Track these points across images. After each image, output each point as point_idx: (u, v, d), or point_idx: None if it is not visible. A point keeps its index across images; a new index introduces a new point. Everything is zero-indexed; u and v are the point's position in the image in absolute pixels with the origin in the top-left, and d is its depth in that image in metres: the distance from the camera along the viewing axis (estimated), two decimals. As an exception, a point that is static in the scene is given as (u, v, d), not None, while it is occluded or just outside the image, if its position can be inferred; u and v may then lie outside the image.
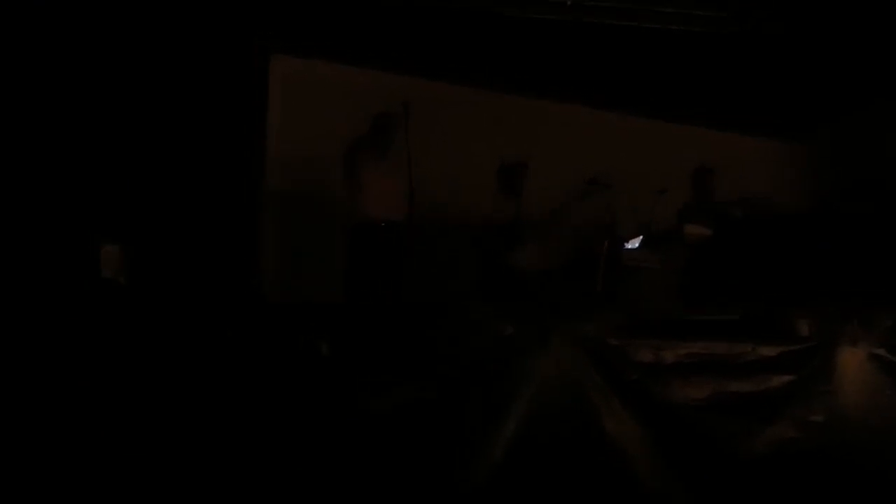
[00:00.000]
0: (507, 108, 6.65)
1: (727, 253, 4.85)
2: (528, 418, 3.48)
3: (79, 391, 3.33)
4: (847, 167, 6.50)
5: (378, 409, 3.45)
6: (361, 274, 5.38)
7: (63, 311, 3.57)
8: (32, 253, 4.64)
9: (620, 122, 6.97)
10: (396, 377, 3.55)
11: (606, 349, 3.68)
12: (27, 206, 5.02)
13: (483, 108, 6.56)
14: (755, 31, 6.16)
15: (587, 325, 3.75)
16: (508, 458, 3.43)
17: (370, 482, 3.35)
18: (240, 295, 5.49)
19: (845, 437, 3.59)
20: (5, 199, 4.97)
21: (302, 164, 6.13)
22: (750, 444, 3.60)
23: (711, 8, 6.17)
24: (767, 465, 3.57)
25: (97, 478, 3.23)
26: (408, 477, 3.37)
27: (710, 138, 7.08)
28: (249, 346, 3.54)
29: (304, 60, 6.30)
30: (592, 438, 3.51)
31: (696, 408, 3.65)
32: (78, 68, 5.40)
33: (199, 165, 5.72)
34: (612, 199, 5.82)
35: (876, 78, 6.41)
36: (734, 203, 5.72)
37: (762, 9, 6.13)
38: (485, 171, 5.98)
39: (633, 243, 5.68)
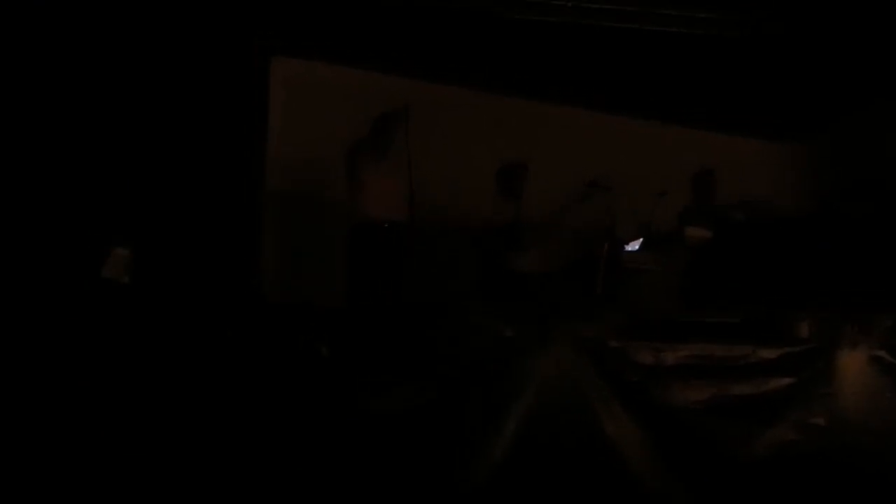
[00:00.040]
0: (508, 110, 6.65)
1: (728, 255, 4.85)
2: (528, 420, 3.48)
3: (79, 391, 3.32)
4: (847, 168, 6.50)
5: (378, 409, 3.45)
6: (362, 274, 5.37)
7: (63, 311, 3.57)
8: (33, 253, 4.64)
9: (621, 125, 6.97)
10: (396, 378, 3.54)
11: (607, 351, 3.68)
12: (28, 207, 5.02)
13: (483, 110, 6.56)
14: (755, 33, 6.16)
15: (587, 326, 3.75)
16: (508, 460, 3.42)
17: (370, 482, 3.35)
18: (240, 295, 5.49)
19: (846, 440, 3.59)
20: (6, 201, 4.97)
21: (302, 166, 6.14)
22: (750, 447, 3.60)
23: (711, 10, 6.18)
24: (768, 468, 3.56)
25: (97, 478, 3.23)
26: (408, 477, 3.37)
27: (710, 140, 7.08)
28: (249, 346, 3.54)
29: (305, 62, 6.31)
30: (592, 440, 3.51)
31: (696, 410, 3.65)
32: (79, 70, 5.40)
33: (199, 166, 5.72)
34: (612, 202, 5.82)
35: (876, 79, 6.41)
36: (734, 205, 5.71)
37: (762, 11, 6.13)
38: (485, 173, 5.97)
39: (634, 245, 5.67)
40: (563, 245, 5.83)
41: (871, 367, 3.68)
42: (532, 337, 3.65)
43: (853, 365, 3.69)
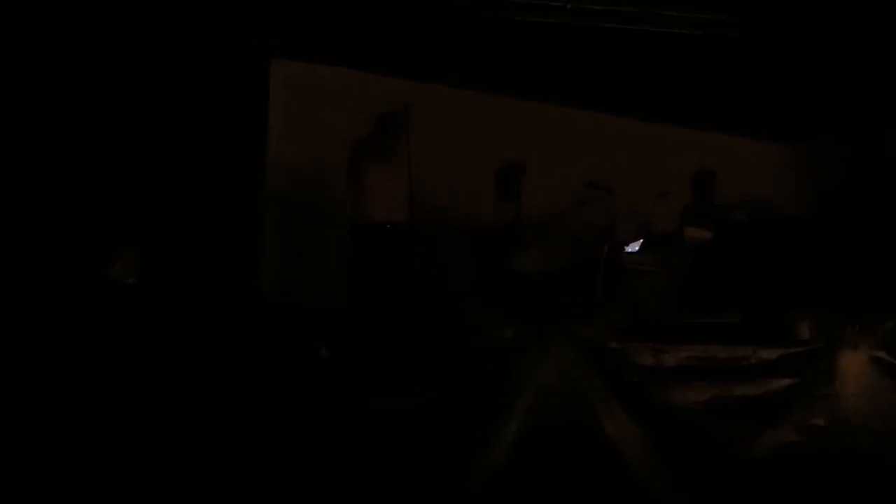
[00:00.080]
0: (508, 111, 6.66)
1: (728, 256, 4.84)
2: (528, 421, 3.48)
3: (79, 391, 3.32)
4: (847, 169, 6.50)
5: (378, 409, 3.44)
6: (364, 275, 5.36)
7: (63, 311, 3.56)
8: (33, 253, 4.64)
9: (621, 126, 6.97)
10: (396, 378, 3.54)
11: (607, 352, 3.67)
12: (28, 207, 5.02)
13: (483, 111, 6.56)
14: (755, 34, 6.16)
15: (588, 327, 3.75)
16: (508, 461, 3.42)
17: (370, 483, 3.34)
18: (240, 295, 5.49)
19: (847, 441, 3.58)
20: (7, 202, 4.98)
21: (302, 166, 6.14)
22: (751, 448, 3.59)
23: (711, 11, 6.18)
24: (769, 469, 3.56)
25: (97, 478, 3.22)
26: (408, 478, 3.36)
27: (711, 141, 7.08)
28: (249, 346, 3.53)
29: (305, 64, 6.31)
30: (593, 441, 3.50)
31: (696, 411, 3.64)
32: (79, 71, 5.40)
33: (200, 167, 5.73)
34: (612, 203, 5.81)
35: (875, 79, 6.41)
36: (735, 206, 5.71)
37: (762, 11, 6.14)
38: (484, 173, 5.97)
39: (634, 246, 5.67)
40: (564, 246, 5.83)
41: (872, 367, 3.68)
42: (532, 338, 3.64)
43: (854, 366, 3.68)
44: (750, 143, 7.29)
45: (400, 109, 5.36)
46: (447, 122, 6.28)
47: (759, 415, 3.64)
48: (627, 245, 5.67)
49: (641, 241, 5.66)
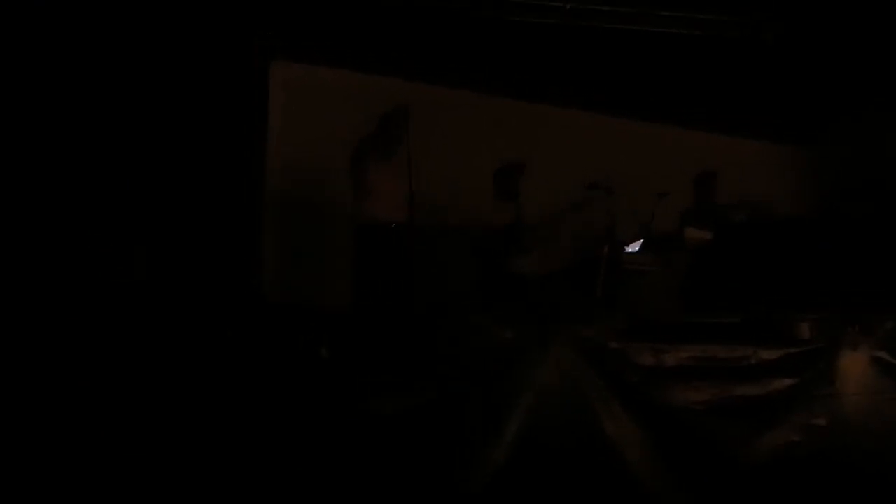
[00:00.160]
0: (508, 111, 6.65)
1: (728, 256, 4.83)
2: (528, 421, 3.48)
3: (79, 390, 3.32)
4: (848, 169, 6.51)
5: (378, 409, 3.44)
6: (369, 275, 5.35)
7: (63, 312, 3.56)
8: (33, 254, 4.64)
9: (621, 126, 6.96)
10: (397, 379, 3.54)
11: (607, 352, 3.67)
12: (27, 207, 5.02)
13: (483, 111, 6.56)
14: (755, 34, 6.16)
15: (588, 328, 3.75)
16: (509, 461, 3.42)
17: (370, 483, 3.34)
18: (240, 296, 5.49)
19: (847, 441, 3.59)
20: (8, 202, 4.98)
21: (302, 167, 6.13)
22: (752, 448, 3.59)
23: (711, 11, 6.18)
24: (769, 469, 3.56)
25: (97, 478, 3.22)
26: (408, 478, 3.36)
27: (711, 142, 7.08)
28: (249, 347, 3.53)
29: (305, 65, 6.31)
30: (593, 441, 3.50)
31: (697, 411, 3.64)
32: (79, 72, 5.40)
33: (200, 168, 5.72)
34: (612, 203, 5.80)
35: (875, 80, 6.41)
36: (735, 206, 5.71)
37: (762, 12, 6.14)
38: (484, 174, 5.96)
39: (634, 247, 5.67)
40: (564, 246, 5.83)
41: (873, 368, 3.68)
42: (532, 338, 3.64)
43: (854, 366, 3.69)
44: (750, 143, 7.29)
45: (399, 109, 5.35)
46: (447, 122, 6.27)
47: (760, 415, 3.64)
48: (627, 245, 5.67)
49: (641, 241, 5.66)
